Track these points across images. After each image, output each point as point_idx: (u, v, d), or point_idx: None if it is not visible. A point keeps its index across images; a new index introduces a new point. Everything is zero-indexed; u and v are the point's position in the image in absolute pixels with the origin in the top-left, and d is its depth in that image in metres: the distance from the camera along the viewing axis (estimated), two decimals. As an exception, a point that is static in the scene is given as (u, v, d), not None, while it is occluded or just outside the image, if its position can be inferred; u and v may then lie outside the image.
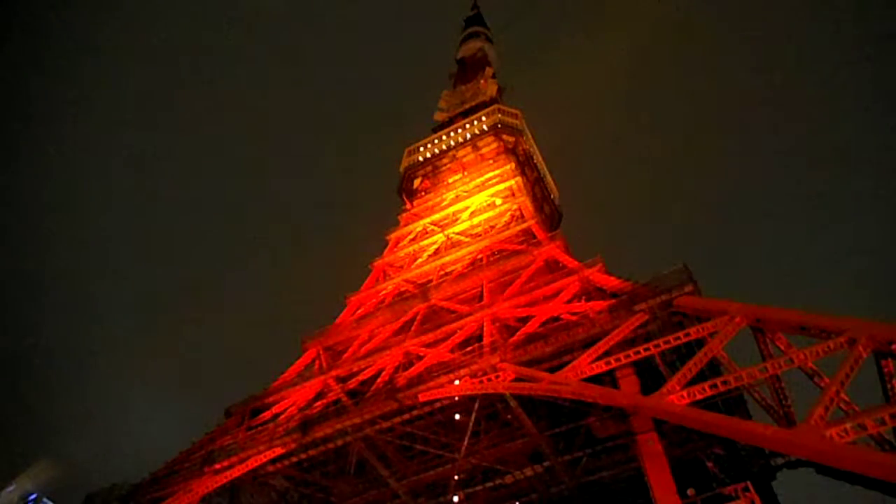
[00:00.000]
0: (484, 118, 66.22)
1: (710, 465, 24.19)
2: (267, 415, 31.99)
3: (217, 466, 27.40)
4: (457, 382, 25.42)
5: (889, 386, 17.09)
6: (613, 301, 26.32)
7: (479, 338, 28.95)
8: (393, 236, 53.05)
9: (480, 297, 34.67)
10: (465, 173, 61.09)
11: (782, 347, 19.73)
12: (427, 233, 51.18)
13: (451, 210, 53.06)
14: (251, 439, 28.42)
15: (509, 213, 47.42)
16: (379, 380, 29.32)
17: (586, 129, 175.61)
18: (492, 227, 46.55)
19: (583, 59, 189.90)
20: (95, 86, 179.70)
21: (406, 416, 26.67)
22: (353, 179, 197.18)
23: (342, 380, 32.02)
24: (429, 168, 66.28)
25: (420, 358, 29.89)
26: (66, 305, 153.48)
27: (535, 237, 40.76)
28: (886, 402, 16.78)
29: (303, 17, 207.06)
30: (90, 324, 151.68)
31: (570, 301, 29.69)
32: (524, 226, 43.25)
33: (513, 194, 50.25)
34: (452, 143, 66.24)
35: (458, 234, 47.65)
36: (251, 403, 33.79)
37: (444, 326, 31.75)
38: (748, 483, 19.67)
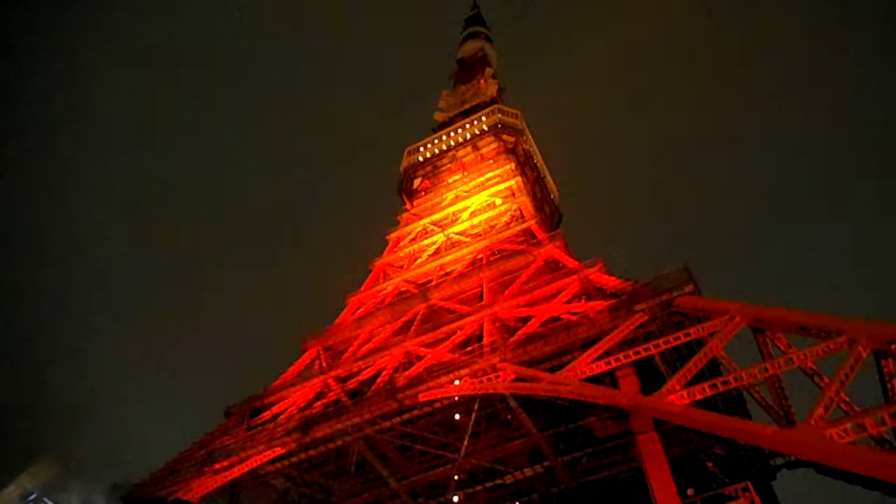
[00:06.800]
0: (484, 118, 66.13)
1: (710, 465, 24.16)
2: (267, 415, 31.98)
3: (217, 466, 27.41)
4: (457, 382, 25.43)
5: (889, 386, 17.09)
6: (613, 301, 26.31)
7: (479, 338, 28.95)
8: (393, 236, 53.01)
9: (480, 297, 34.66)
10: (465, 173, 61.00)
11: (782, 347, 19.74)
12: (427, 233, 51.14)
13: (450, 210, 52.99)
14: (251, 439, 28.42)
15: (509, 213, 47.37)
16: (379, 380, 29.33)
17: (586, 129, 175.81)
18: (492, 227, 46.50)
19: (583, 59, 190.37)
20: (95, 85, 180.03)
21: (406, 416, 26.67)
22: (353, 179, 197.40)
23: (342, 380, 32.04)
24: (429, 168, 66.23)
25: (420, 358, 29.90)
26: (66, 305, 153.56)
27: (535, 237, 40.76)
28: (886, 402, 16.77)
29: (303, 17, 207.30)
30: (90, 323, 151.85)
31: (570, 301, 29.69)
32: (524, 226, 43.24)
33: (513, 194, 50.20)
34: (452, 143, 66.18)
35: (458, 234, 47.60)
36: (251, 403, 33.79)
37: (444, 326, 31.77)
38: (748, 483, 19.66)
